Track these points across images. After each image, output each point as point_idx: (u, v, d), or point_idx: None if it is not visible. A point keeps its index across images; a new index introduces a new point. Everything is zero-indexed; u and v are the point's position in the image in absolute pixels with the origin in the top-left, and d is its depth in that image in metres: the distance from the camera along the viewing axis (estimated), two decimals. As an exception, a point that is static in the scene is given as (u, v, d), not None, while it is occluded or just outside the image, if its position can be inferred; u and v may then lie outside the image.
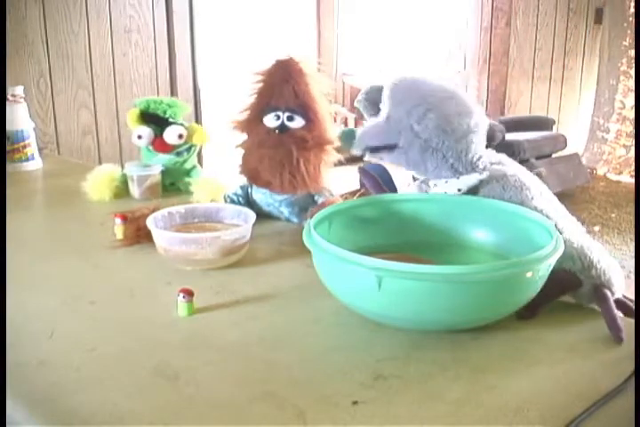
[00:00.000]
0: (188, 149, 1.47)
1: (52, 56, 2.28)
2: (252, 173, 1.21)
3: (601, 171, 4.37)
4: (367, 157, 1.06)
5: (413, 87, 1.01)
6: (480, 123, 1.00)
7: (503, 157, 1.03)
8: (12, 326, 0.84)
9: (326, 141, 1.18)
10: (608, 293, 0.83)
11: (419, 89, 1.00)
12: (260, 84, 1.18)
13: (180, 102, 1.49)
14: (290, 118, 1.15)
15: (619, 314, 0.83)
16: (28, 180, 1.62)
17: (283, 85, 1.15)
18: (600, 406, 0.67)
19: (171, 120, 1.43)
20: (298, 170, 1.17)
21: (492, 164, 1.00)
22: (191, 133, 1.45)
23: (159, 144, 1.42)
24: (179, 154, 1.45)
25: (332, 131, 1.20)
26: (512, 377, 0.74)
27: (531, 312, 0.84)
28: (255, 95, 1.18)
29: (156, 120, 1.43)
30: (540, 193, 0.97)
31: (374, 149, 1.04)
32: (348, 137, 1.08)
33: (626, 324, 0.83)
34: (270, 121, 1.16)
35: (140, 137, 1.43)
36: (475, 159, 0.99)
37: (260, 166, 1.19)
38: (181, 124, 1.44)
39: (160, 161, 1.44)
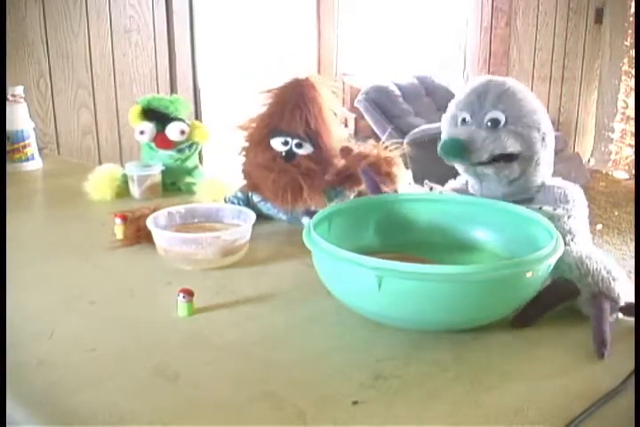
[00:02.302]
0: (190, 147, 1.46)
1: (52, 56, 2.28)
2: (255, 186, 1.21)
3: (609, 171, 4.37)
4: (483, 168, 0.97)
5: (526, 94, 0.98)
6: None
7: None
8: (12, 326, 0.84)
9: (331, 165, 1.17)
10: (605, 303, 0.82)
11: (531, 98, 0.98)
12: (272, 103, 1.16)
13: (182, 100, 1.49)
14: (298, 146, 1.14)
15: (612, 325, 0.81)
16: (28, 180, 1.62)
17: (295, 111, 1.13)
18: (600, 406, 0.67)
19: (172, 116, 1.43)
20: (301, 196, 1.16)
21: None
22: (193, 130, 1.45)
23: (161, 140, 1.42)
24: (180, 151, 1.45)
25: (337, 152, 1.18)
26: (512, 377, 0.74)
27: (526, 321, 0.83)
28: (265, 114, 1.16)
29: (158, 116, 1.43)
30: (574, 207, 0.97)
31: (496, 158, 0.96)
32: (457, 146, 0.95)
33: (626, 325, 0.84)
34: (278, 145, 1.15)
35: (142, 132, 1.43)
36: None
37: (262, 185, 1.18)
38: (183, 121, 1.44)
39: (162, 159, 1.44)
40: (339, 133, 1.19)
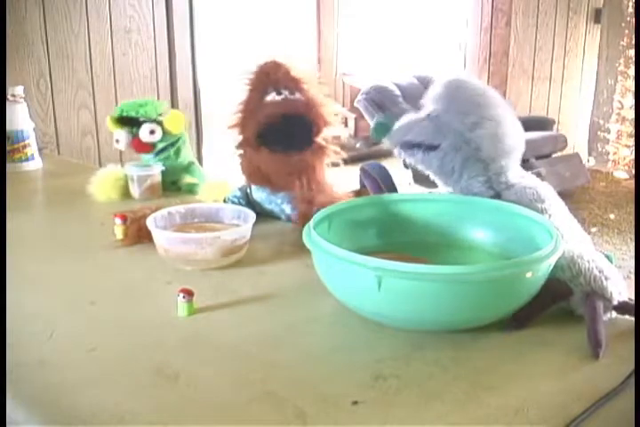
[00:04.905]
0: (173, 144, 1.46)
1: (52, 56, 2.28)
2: (264, 179, 1.21)
3: (609, 171, 4.37)
4: (396, 153, 1.03)
5: (471, 91, 0.98)
6: (522, 141, 1.00)
7: (523, 171, 1.03)
8: (12, 327, 0.84)
9: (328, 123, 1.19)
10: (598, 303, 0.82)
11: (477, 95, 0.98)
12: (252, 83, 1.17)
13: (154, 101, 1.49)
14: (291, 93, 1.15)
15: (606, 326, 0.80)
16: (28, 180, 1.62)
17: (279, 75, 1.15)
18: (600, 406, 0.67)
19: (142, 119, 1.43)
20: (315, 179, 1.18)
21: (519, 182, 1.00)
22: (167, 127, 1.44)
23: (137, 144, 1.43)
24: (163, 151, 1.44)
25: (332, 113, 1.20)
26: (512, 377, 0.74)
27: (519, 323, 0.83)
28: (249, 95, 1.18)
29: (129, 122, 1.43)
30: (551, 205, 0.96)
31: (410, 146, 1.01)
32: (382, 128, 1.04)
33: (626, 325, 0.84)
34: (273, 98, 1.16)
35: (117, 141, 1.43)
36: (510, 177, 0.99)
37: (274, 175, 1.19)
38: (154, 121, 1.43)
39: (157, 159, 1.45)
40: (328, 103, 1.20)
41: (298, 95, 1.16)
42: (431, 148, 0.99)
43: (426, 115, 1.00)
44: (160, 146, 1.44)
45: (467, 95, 0.98)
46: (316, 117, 1.17)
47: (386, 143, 1.04)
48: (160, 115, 1.45)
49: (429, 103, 1.01)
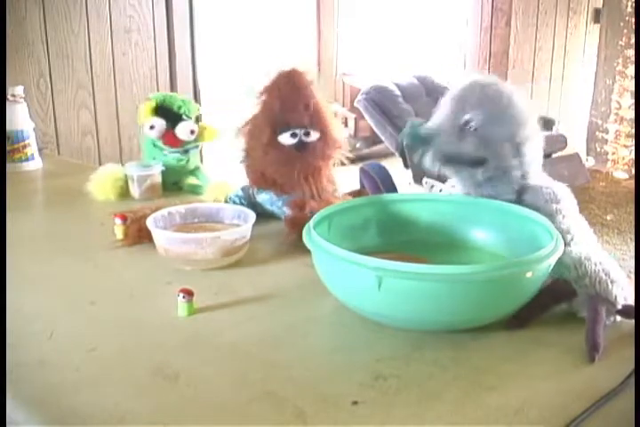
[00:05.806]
0: (195, 148, 1.47)
1: (52, 56, 2.27)
2: (271, 183, 1.21)
3: (609, 171, 4.36)
4: (429, 165, 0.96)
5: (507, 98, 0.95)
6: None
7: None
8: (12, 327, 0.84)
9: (339, 144, 1.20)
10: (601, 306, 0.81)
11: (516, 103, 0.95)
12: (268, 100, 1.16)
13: (192, 102, 1.50)
14: (306, 134, 1.15)
15: (605, 330, 0.80)
16: (28, 180, 1.61)
17: (296, 103, 1.14)
18: (600, 406, 0.67)
19: (184, 116, 1.44)
20: (321, 180, 1.18)
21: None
22: (201, 131, 1.45)
23: (170, 138, 1.42)
24: (186, 152, 1.45)
25: (341, 133, 1.21)
26: (512, 377, 0.74)
27: (521, 322, 0.83)
28: (265, 112, 1.17)
29: (169, 115, 1.43)
30: (565, 206, 0.97)
31: (452, 161, 0.96)
32: (415, 138, 0.97)
33: (626, 326, 0.84)
34: (286, 139, 1.15)
35: (152, 127, 1.42)
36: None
37: (283, 179, 1.19)
38: (194, 121, 1.45)
39: (163, 158, 1.44)
40: (332, 111, 1.20)
41: (314, 134, 1.16)
42: (477, 163, 0.95)
43: (463, 123, 0.94)
44: (189, 145, 1.45)
45: (506, 103, 0.95)
46: (330, 150, 1.18)
47: (419, 155, 0.97)
48: (197, 117, 1.45)
49: (458, 106, 0.96)
